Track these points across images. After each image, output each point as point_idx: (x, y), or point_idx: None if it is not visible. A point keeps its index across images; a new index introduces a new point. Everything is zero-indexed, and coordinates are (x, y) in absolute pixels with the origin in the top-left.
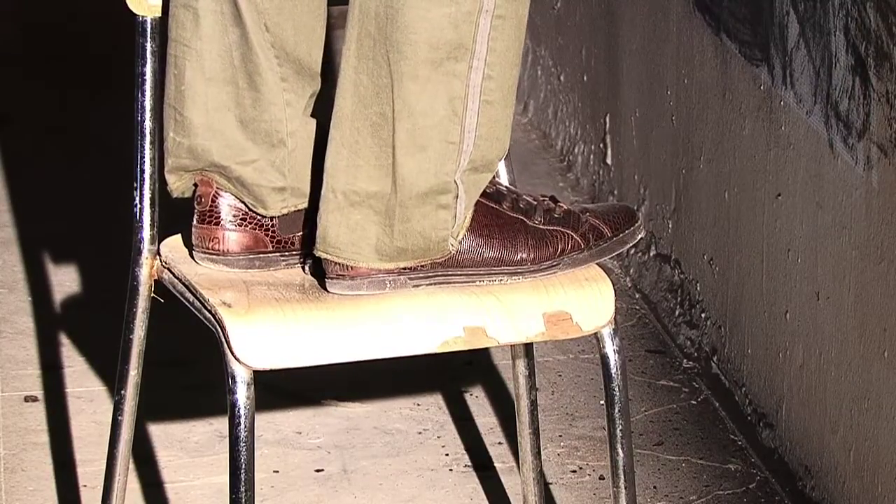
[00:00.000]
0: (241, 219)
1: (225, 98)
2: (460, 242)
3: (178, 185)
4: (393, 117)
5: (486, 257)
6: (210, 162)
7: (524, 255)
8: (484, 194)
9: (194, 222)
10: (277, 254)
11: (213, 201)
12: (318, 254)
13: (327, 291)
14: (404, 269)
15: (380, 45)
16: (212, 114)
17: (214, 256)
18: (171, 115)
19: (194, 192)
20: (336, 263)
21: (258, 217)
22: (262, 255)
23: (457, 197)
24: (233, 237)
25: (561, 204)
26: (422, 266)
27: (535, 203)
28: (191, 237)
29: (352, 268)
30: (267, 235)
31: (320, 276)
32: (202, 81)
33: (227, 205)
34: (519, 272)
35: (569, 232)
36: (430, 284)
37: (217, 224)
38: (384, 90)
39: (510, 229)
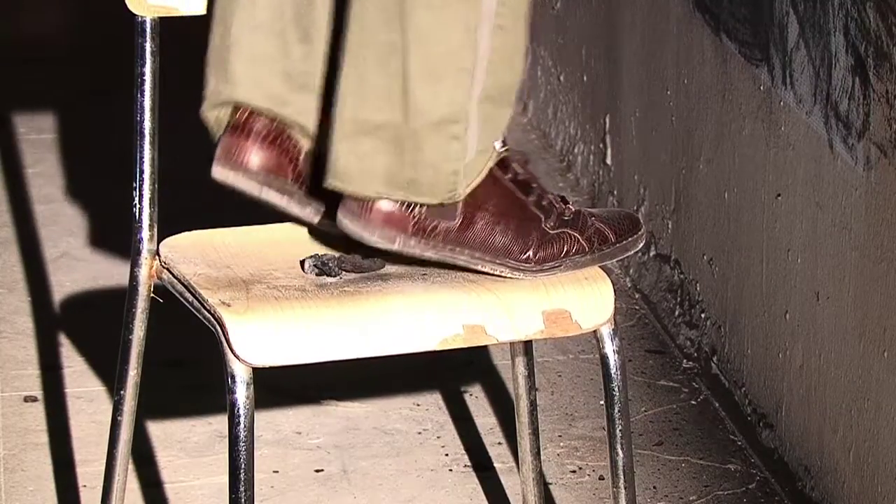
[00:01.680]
0: (270, 141)
1: (271, 49)
2: (474, 216)
3: (218, 119)
4: (403, 46)
5: (496, 244)
6: (252, 107)
7: (530, 254)
8: (516, 181)
9: (224, 135)
10: (295, 185)
11: (248, 118)
12: (327, 184)
13: (337, 225)
14: (417, 230)
15: None
16: (257, 64)
17: (235, 168)
18: (215, 63)
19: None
20: (353, 200)
21: (287, 146)
22: (279, 181)
23: (468, 128)
24: (257, 153)
25: (570, 206)
26: (434, 234)
27: (555, 207)
28: (215, 152)
29: (370, 211)
30: (290, 164)
31: (331, 219)
32: (249, 30)
33: (261, 124)
34: (521, 269)
35: (575, 234)
36: (436, 258)
37: (247, 138)
38: (393, 19)
39: (527, 225)
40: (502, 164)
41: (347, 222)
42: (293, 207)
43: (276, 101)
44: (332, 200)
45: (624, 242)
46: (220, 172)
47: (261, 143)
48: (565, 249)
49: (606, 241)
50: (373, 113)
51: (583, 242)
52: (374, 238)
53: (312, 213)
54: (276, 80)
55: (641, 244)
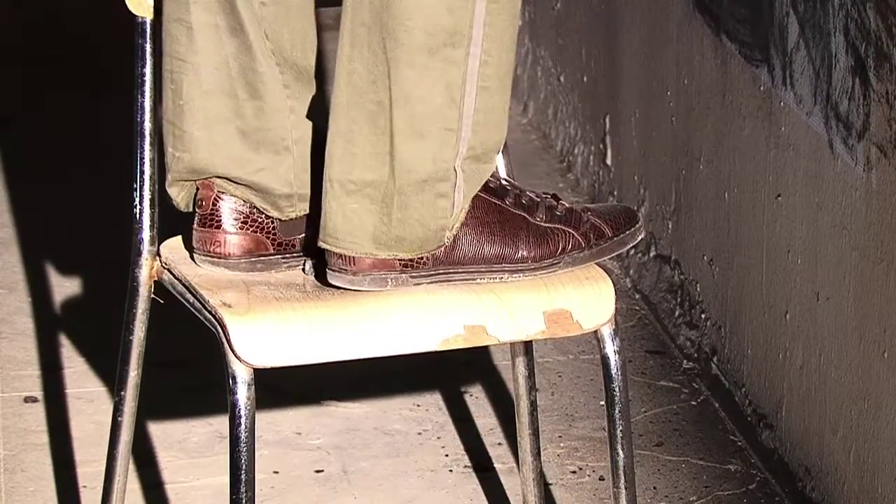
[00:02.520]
0: (242, 222)
1: (224, 110)
2: (456, 236)
3: (183, 196)
4: (390, 105)
5: (487, 254)
6: (213, 174)
7: (525, 253)
8: (486, 189)
9: (195, 225)
10: (279, 256)
11: (214, 204)
12: (320, 244)
13: (329, 286)
14: (406, 265)
15: (374, 33)
16: (212, 127)
17: (216, 259)
18: (170, 130)
19: (195, 195)
20: (338, 257)
21: (259, 220)
22: (263, 258)
23: (455, 185)
24: (234, 240)
25: (563, 202)
26: (423, 264)
27: (538, 200)
28: (191, 240)
29: (354, 262)
30: (268, 238)
31: (322, 275)
32: (200, 95)
33: (229, 208)
34: (519, 270)
35: (570, 230)
36: (432, 283)
37: (218, 227)
38: (380, 78)
39: (512, 226)
40: None
41: (336, 278)
42: (284, 271)
43: (237, 162)
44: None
45: (621, 236)
46: (203, 262)
47: (235, 230)
48: (561, 246)
49: (603, 235)
50: (361, 172)
51: (579, 238)
52: (366, 286)
53: (308, 269)
54: (234, 141)
55: (640, 237)
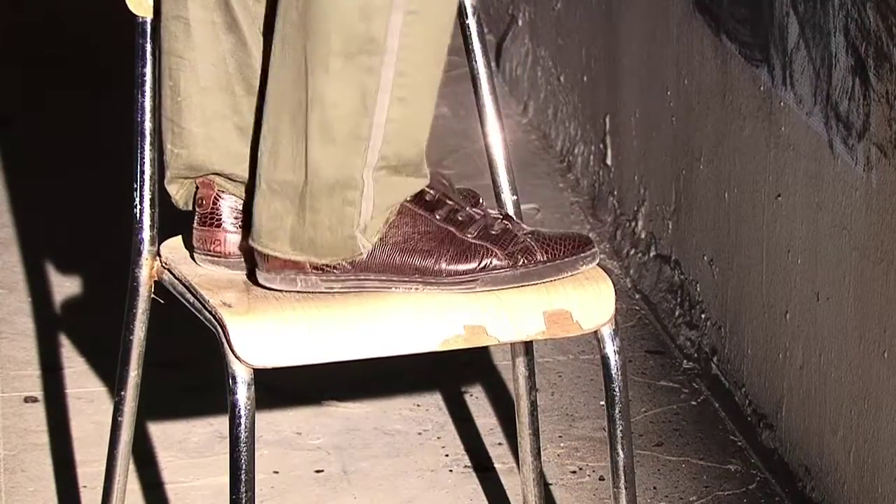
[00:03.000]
0: (242, 221)
1: (221, 106)
2: (374, 246)
3: (182, 194)
4: (307, 106)
5: (400, 264)
6: (211, 171)
7: (444, 266)
8: (419, 201)
9: (195, 224)
10: None
11: (214, 203)
12: (248, 241)
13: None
14: (317, 269)
15: (299, 33)
16: (210, 123)
17: (216, 259)
18: (169, 127)
19: (195, 194)
20: (260, 253)
21: None
22: None
23: (363, 194)
24: (234, 239)
25: (508, 223)
26: (334, 268)
27: (477, 217)
28: (191, 239)
29: (268, 260)
30: None
31: None
32: (197, 91)
33: (229, 207)
34: (435, 283)
35: (494, 249)
36: (343, 290)
37: (218, 226)
38: (301, 78)
39: (432, 239)
40: None
41: (257, 274)
42: None
43: (234, 158)
44: None
45: (557, 262)
46: (203, 261)
47: (235, 229)
48: (483, 263)
49: (532, 259)
50: (283, 172)
51: (502, 257)
52: (277, 284)
53: None
54: (232, 137)
55: (585, 267)
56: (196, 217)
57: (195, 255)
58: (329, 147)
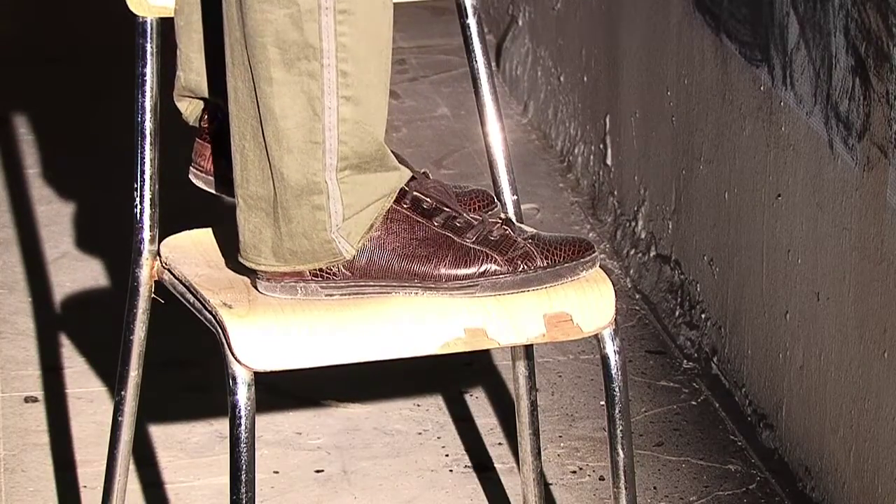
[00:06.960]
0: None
1: (218, 37)
2: (371, 250)
3: (191, 110)
4: (261, 120)
5: (397, 270)
6: (204, 96)
7: (444, 271)
8: (416, 208)
9: (196, 136)
10: None
11: (211, 123)
12: (238, 258)
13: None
14: (315, 275)
15: (244, 49)
16: (207, 53)
17: (198, 172)
18: (178, 41)
19: (203, 109)
20: (249, 269)
21: None
22: None
23: (329, 197)
24: (220, 157)
25: (508, 229)
26: (333, 275)
27: (475, 223)
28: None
29: (264, 273)
30: None
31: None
32: (198, 20)
33: (223, 126)
34: (435, 287)
35: (493, 255)
36: (343, 295)
37: (209, 142)
38: (251, 94)
39: (431, 244)
40: (397, 197)
41: (257, 283)
42: None
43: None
44: None
45: (556, 268)
46: (191, 175)
47: (224, 146)
48: (483, 269)
49: (532, 265)
50: (255, 187)
51: (502, 263)
52: (277, 292)
53: None
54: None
55: (586, 272)
56: (200, 127)
57: (190, 171)
58: (288, 156)
